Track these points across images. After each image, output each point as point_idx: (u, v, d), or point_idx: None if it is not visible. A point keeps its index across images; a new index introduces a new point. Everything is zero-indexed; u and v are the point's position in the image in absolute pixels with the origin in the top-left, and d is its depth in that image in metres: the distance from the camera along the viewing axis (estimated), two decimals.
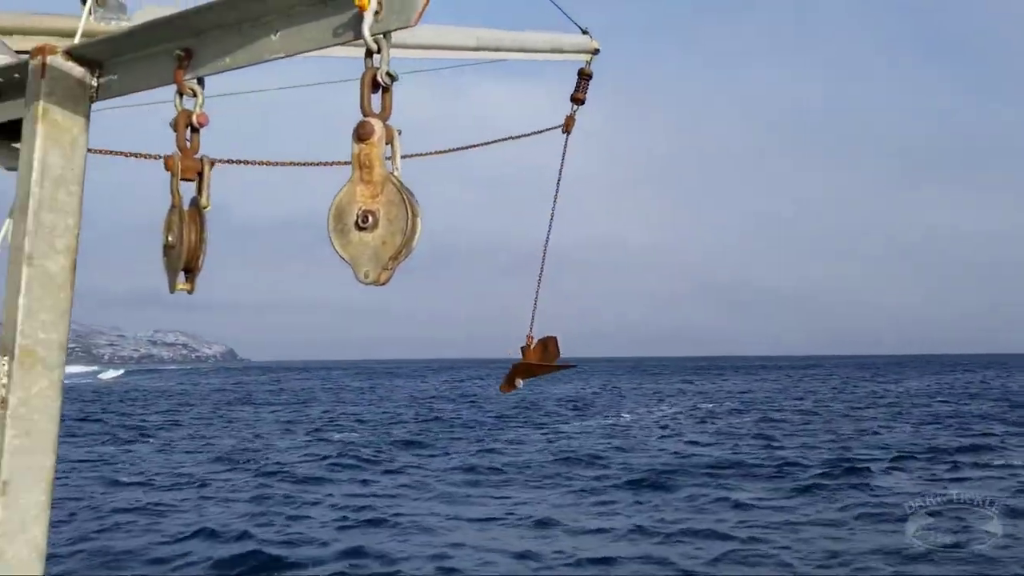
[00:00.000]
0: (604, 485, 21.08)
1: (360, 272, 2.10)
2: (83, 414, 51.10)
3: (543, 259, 4.78)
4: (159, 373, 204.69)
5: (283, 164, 3.28)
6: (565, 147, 4.34)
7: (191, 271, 2.35)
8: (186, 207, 2.37)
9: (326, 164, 3.34)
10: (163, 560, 14.14)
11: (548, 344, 10.40)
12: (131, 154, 2.69)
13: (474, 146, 3.94)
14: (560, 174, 4.50)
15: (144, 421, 47.54)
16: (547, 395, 62.11)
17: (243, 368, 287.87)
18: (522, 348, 10.22)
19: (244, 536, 15.47)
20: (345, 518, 17.35)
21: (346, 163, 2.57)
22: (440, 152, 3.52)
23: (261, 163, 3.11)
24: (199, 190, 2.37)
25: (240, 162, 2.94)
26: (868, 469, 23.26)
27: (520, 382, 10.01)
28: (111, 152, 2.71)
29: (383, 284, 2.11)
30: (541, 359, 10.18)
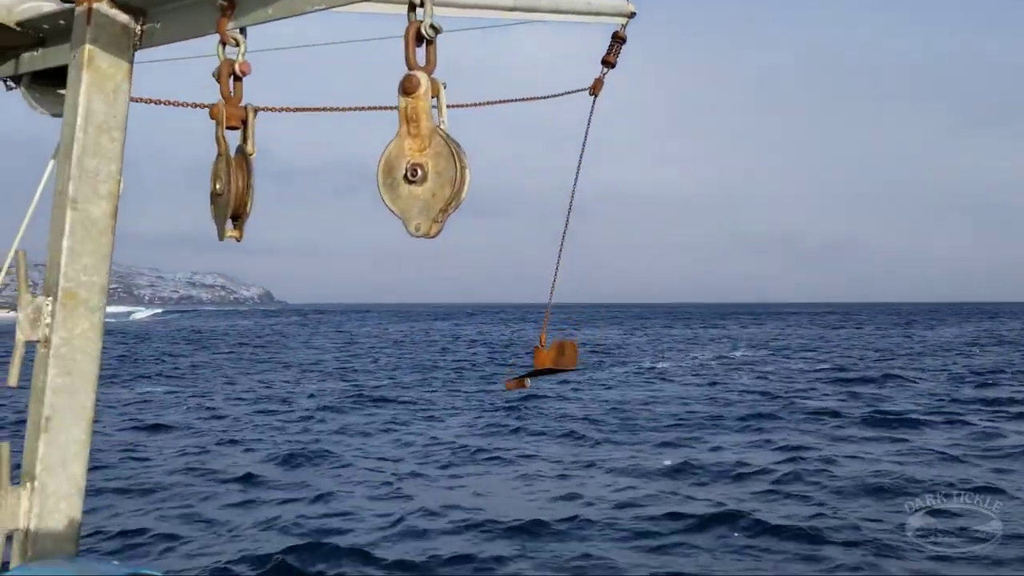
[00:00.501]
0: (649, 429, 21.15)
1: (411, 225, 2.12)
2: (119, 353, 52.34)
3: (563, 235, 4.70)
4: (194, 313, 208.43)
5: (325, 110, 3.25)
6: (592, 109, 4.29)
7: (239, 218, 2.39)
8: (232, 155, 2.38)
9: (366, 109, 3.29)
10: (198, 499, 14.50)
11: (565, 348, 10.02)
12: (176, 103, 2.70)
13: (503, 102, 3.91)
14: (586, 136, 4.45)
15: (174, 360, 48.47)
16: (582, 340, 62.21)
17: (279, 310, 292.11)
18: (535, 348, 9.88)
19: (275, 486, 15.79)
20: (383, 461, 17.63)
21: (386, 107, 2.53)
22: (470, 105, 3.50)
23: (304, 109, 3.09)
24: (244, 138, 2.38)
25: (283, 109, 2.93)
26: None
27: (528, 381, 9.94)
28: (157, 101, 2.73)
29: (433, 236, 2.14)
30: (556, 364, 9.76)
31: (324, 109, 3.20)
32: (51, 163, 2.50)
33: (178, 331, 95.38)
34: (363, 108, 3.26)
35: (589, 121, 4.44)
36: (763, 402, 26.08)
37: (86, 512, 2.34)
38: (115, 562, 2.08)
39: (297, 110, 3.04)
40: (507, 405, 25.73)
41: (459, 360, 47.37)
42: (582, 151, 4.67)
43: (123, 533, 11.07)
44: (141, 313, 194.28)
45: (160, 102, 2.72)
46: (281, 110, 2.88)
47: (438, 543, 11.24)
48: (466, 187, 2.10)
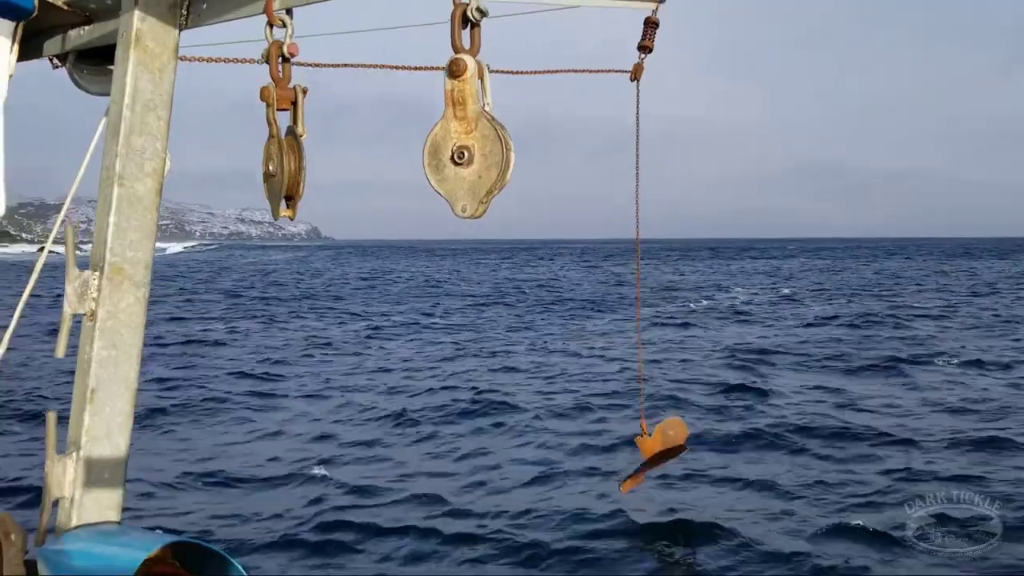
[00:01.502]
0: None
1: (457, 207, 2.15)
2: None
3: (637, 243, 4.67)
4: (235, 249, 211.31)
5: (370, 66, 3.26)
6: (637, 96, 4.24)
7: (292, 198, 2.42)
8: (283, 136, 2.40)
9: (414, 69, 3.31)
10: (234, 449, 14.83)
11: (669, 427, 9.79)
12: (228, 60, 2.72)
13: (547, 72, 3.91)
14: (637, 125, 4.39)
15: (203, 296, 49.42)
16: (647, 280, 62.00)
17: (323, 246, 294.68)
18: (636, 438, 9.73)
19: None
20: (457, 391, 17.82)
21: (433, 68, 2.52)
22: (514, 72, 3.49)
23: (349, 65, 3.11)
24: (294, 119, 2.39)
25: (328, 65, 2.95)
26: None
27: (643, 476, 9.97)
28: (209, 59, 2.76)
29: (479, 218, 2.16)
30: (664, 447, 9.61)
31: (370, 66, 3.18)
32: (95, 139, 2.52)
33: (207, 264, 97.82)
34: (410, 68, 3.23)
35: (637, 106, 4.43)
36: None
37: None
38: (158, 530, 2.14)
39: (344, 66, 3.04)
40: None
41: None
42: (637, 140, 4.63)
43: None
44: (174, 248, 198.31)
45: (216, 60, 2.74)
46: (327, 66, 2.89)
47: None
48: (511, 168, 2.11)
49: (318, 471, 12.80)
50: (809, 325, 32.35)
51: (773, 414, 15.70)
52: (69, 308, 2.34)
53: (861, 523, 9.14)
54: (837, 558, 8.52)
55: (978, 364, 21.47)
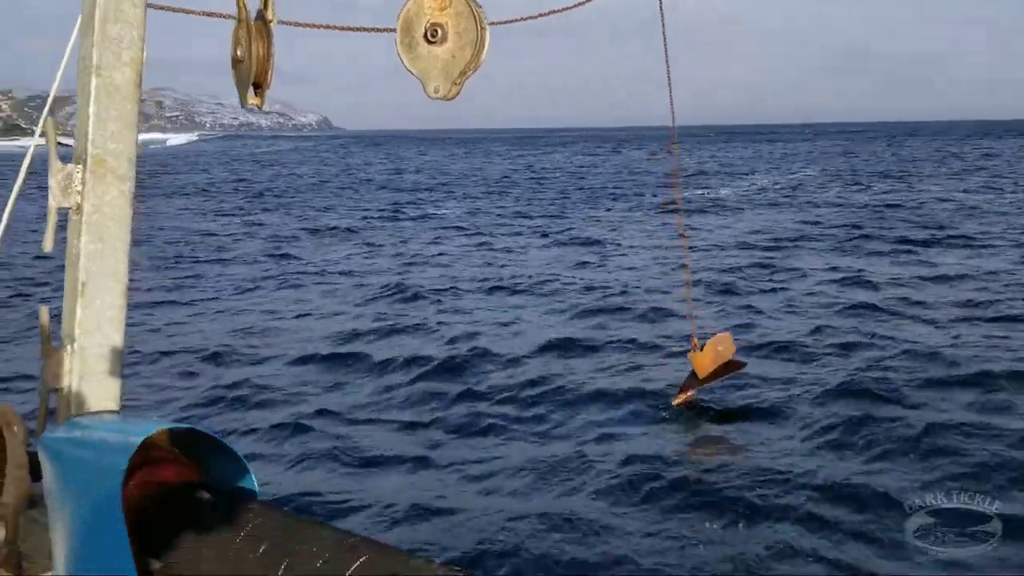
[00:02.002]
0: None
1: (430, 87, 2.08)
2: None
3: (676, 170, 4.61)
4: (239, 139, 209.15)
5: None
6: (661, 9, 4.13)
7: (260, 85, 2.35)
8: (252, 21, 2.32)
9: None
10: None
11: (719, 345, 9.74)
12: (192, 11, 2.64)
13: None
14: (664, 36, 4.32)
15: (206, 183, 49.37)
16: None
17: (331, 136, 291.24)
18: (689, 354, 9.65)
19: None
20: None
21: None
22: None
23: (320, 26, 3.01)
24: (264, 3, 2.31)
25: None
26: None
27: (692, 392, 9.81)
28: (174, 9, 2.68)
29: (452, 99, 2.09)
30: (715, 363, 9.53)
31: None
32: (75, 30, 2.46)
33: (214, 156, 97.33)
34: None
35: (663, 21, 4.33)
36: None
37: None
38: (155, 417, 2.18)
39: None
40: None
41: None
42: (665, 50, 4.55)
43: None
44: (176, 139, 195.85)
45: (176, 10, 2.65)
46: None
47: None
48: (486, 49, 2.05)
49: (338, 349, 13.05)
50: (832, 206, 32.24)
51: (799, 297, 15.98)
52: (54, 202, 2.34)
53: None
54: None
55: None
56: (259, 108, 2.39)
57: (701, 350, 9.71)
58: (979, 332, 13.17)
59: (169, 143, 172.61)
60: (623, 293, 16.87)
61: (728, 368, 9.85)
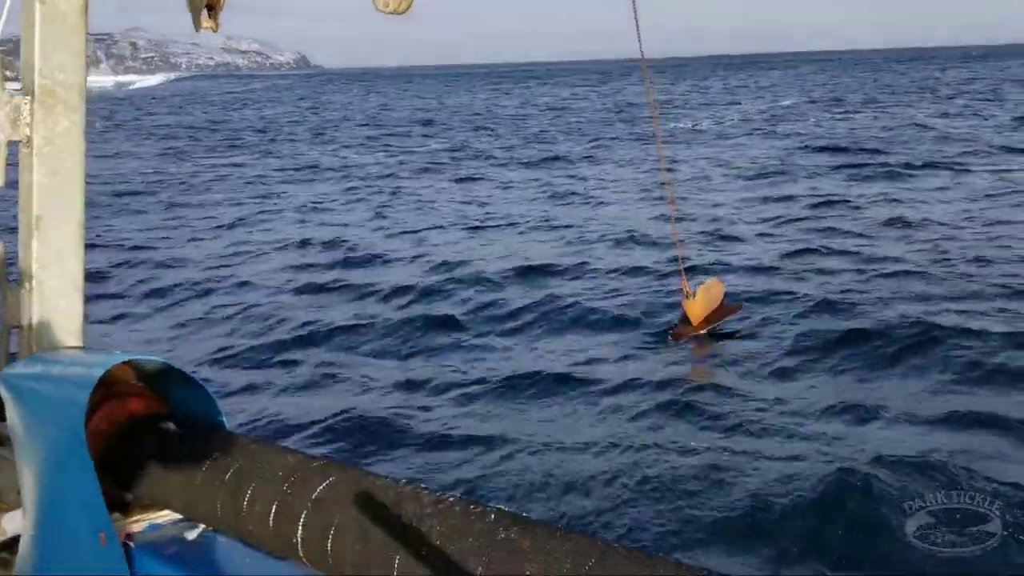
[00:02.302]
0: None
1: (379, 1, 1.99)
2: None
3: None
4: (214, 79, 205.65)
5: None
6: None
7: (213, 8, 2.27)
8: None
9: None
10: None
11: (711, 289, 9.72)
12: None
13: None
14: None
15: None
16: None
17: (310, 74, 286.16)
18: (682, 301, 9.62)
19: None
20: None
21: None
22: None
23: None
24: None
25: None
26: None
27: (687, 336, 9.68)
28: None
29: (403, 12, 2.00)
30: (707, 310, 9.52)
31: None
32: None
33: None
34: None
35: None
36: None
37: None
38: (117, 352, 2.16)
39: None
40: None
41: None
42: None
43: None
44: (149, 80, 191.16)
45: None
46: None
47: None
48: None
49: (319, 278, 13.09)
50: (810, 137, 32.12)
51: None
52: (3, 135, 2.27)
53: None
54: None
55: None
56: (214, 31, 2.29)
57: (693, 296, 9.76)
58: (958, 245, 13.54)
59: (137, 85, 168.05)
60: (607, 226, 16.84)
61: (722, 313, 9.96)
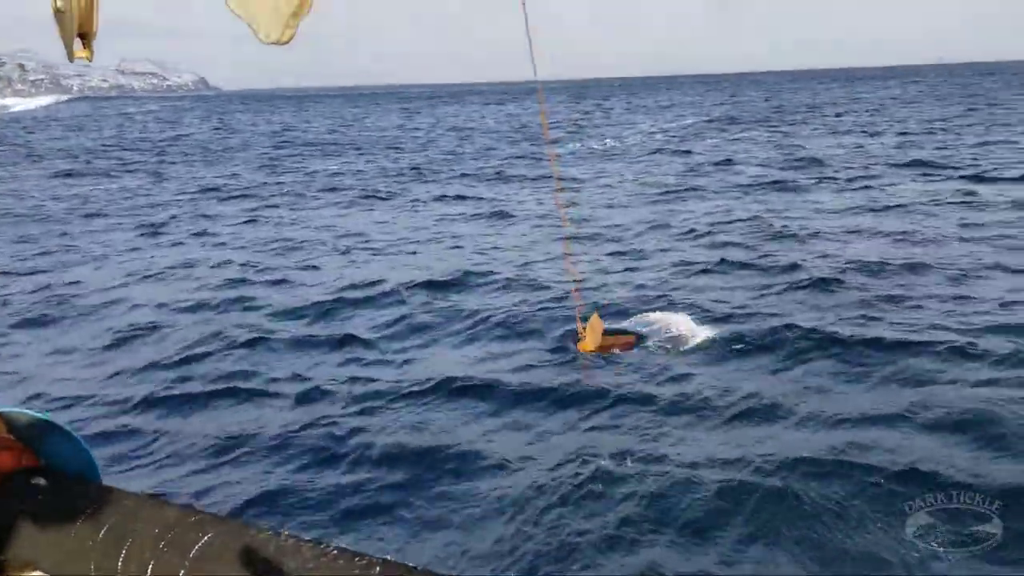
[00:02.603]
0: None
1: (260, 32, 1.96)
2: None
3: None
4: (107, 102, 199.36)
5: None
6: None
7: (86, 36, 2.12)
8: None
9: None
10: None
11: (595, 326, 10.07)
12: None
13: None
14: None
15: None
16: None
17: (207, 96, 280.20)
18: (578, 344, 10.03)
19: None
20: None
21: None
22: None
23: None
24: None
25: None
26: None
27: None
28: None
29: (286, 43, 1.98)
30: (599, 345, 9.88)
31: None
32: None
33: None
34: None
35: None
36: None
37: None
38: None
39: None
40: None
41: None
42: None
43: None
44: (28, 104, 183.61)
45: None
46: None
47: None
48: None
49: (213, 297, 12.71)
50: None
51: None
52: None
53: None
54: None
55: None
56: (89, 61, 2.16)
57: (584, 332, 10.13)
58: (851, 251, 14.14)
59: (18, 108, 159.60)
60: (511, 244, 16.91)
61: (616, 345, 10.29)
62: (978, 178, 22.91)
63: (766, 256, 14.72)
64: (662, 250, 15.87)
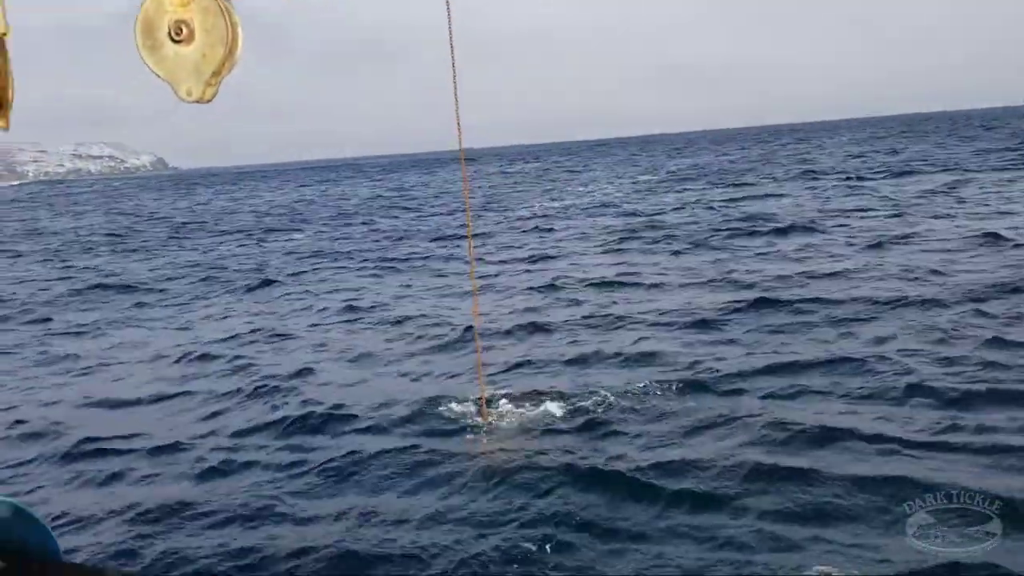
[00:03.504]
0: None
1: (181, 90, 1.97)
2: None
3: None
4: (59, 185, 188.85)
5: None
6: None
7: (2, 106, 2.04)
8: None
9: None
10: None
11: None
12: None
13: None
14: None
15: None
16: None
17: (162, 176, 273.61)
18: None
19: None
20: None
21: None
22: None
23: None
24: None
25: None
26: None
27: None
28: None
29: (208, 101, 2.00)
30: None
31: None
32: None
33: None
34: None
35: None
36: None
37: None
38: None
39: None
40: None
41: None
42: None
43: None
44: None
45: None
46: None
47: None
48: (240, 45, 1.98)
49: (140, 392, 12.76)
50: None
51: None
52: None
53: None
54: None
55: None
56: (6, 129, 2.06)
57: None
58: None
59: None
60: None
61: None
62: None
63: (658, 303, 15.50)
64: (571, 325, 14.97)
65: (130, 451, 10.09)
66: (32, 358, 15.47)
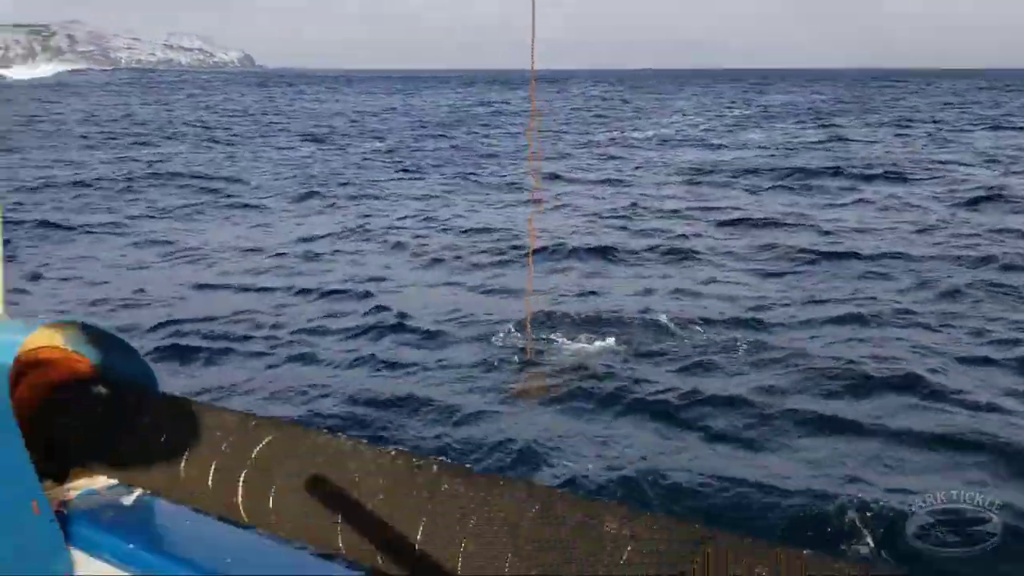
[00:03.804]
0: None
1: None
2: None
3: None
4: (146, 75, 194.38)
5: None
6: None
7: None
8: None
9: None
10: None
11: None
12: None
13: None
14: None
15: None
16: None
17: (249, 72, 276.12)
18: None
19: None
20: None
21: None
22: None
23: None
24: None
25: None
26: None
27: None
28: None
29: None
30: None
31: None
32: None
33: None
34: None
35: None
36: None
37: None
38: (40, 317, 2.03)
39: None
40: None
41: None
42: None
43: None
44: (36, 71, 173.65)
45: None
46: None
47: None
48: None
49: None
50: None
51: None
52: None
53: None
54: None
55: None
56: None
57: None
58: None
59: (13, 78, 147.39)
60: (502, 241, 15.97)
61: None
62: None
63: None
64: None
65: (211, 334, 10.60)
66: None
